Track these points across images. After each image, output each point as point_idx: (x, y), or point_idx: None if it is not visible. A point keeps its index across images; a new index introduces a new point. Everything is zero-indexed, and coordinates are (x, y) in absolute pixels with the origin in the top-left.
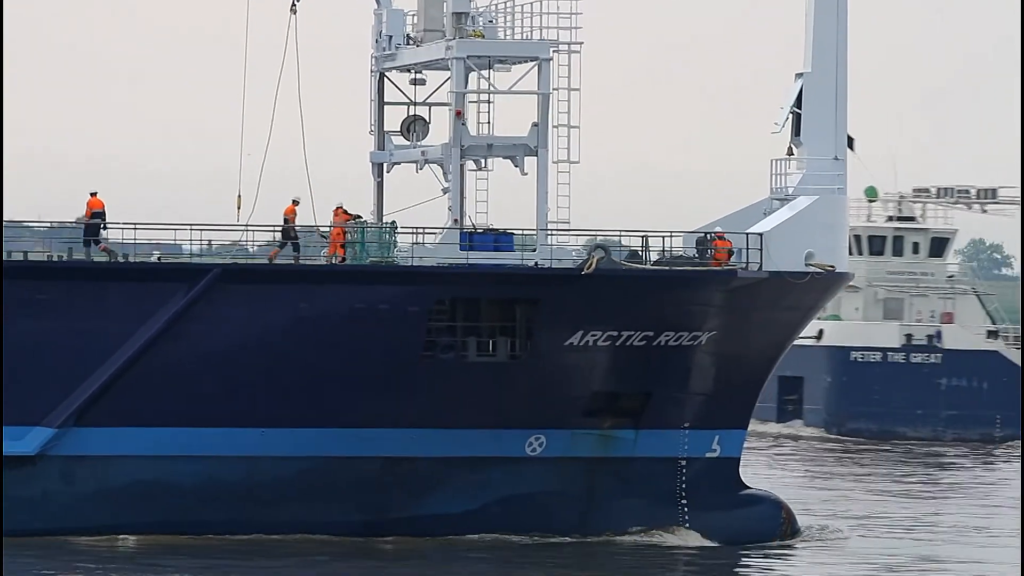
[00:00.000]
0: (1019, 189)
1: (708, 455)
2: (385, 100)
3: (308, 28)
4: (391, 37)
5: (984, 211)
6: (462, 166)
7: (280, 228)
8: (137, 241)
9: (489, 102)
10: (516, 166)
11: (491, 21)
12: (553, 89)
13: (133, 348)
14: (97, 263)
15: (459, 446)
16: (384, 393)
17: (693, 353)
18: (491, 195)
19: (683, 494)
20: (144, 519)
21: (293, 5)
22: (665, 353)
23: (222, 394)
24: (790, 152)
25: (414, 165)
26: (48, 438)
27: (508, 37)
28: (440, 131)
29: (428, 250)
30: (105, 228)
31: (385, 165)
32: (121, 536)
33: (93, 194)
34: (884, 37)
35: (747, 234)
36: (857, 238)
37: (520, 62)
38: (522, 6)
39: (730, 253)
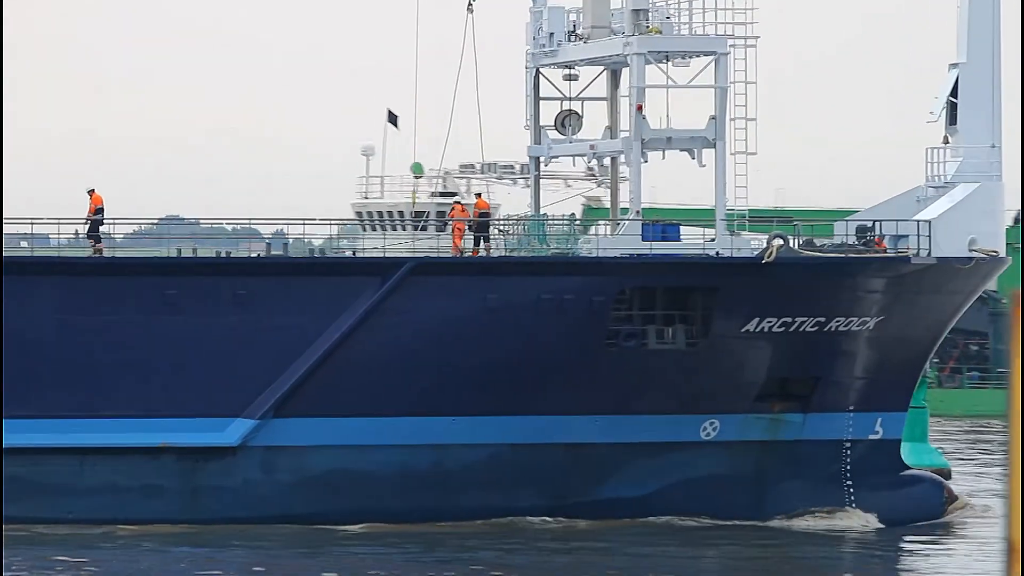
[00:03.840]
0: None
1: (871, 437)
2: (540, 96)
3: (458, 26)
4: (552, 34)
5: (527, 186)
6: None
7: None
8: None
9: (667, 96)
10: (693, 158)
11: (668, 17)
12: (730, 83)
13: (329, 341)
14: (293, 259)
15: (638, 432)
16: (569, 381)
17: (860, 338)
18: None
19: (848, 475)
20: (340, 507)
21: (470, 4)
22: (834, 338)
23: (413, 384)
24: (946, 140)
25: (570, 159)
26: (249, 429)
27: (685, 32)
28: (593, 126)
29: (610, 241)
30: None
31: (542, 159)
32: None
33: (91, 191)
34: None
35: (917, 221)
36: (400, 213)
37: (697, 56)
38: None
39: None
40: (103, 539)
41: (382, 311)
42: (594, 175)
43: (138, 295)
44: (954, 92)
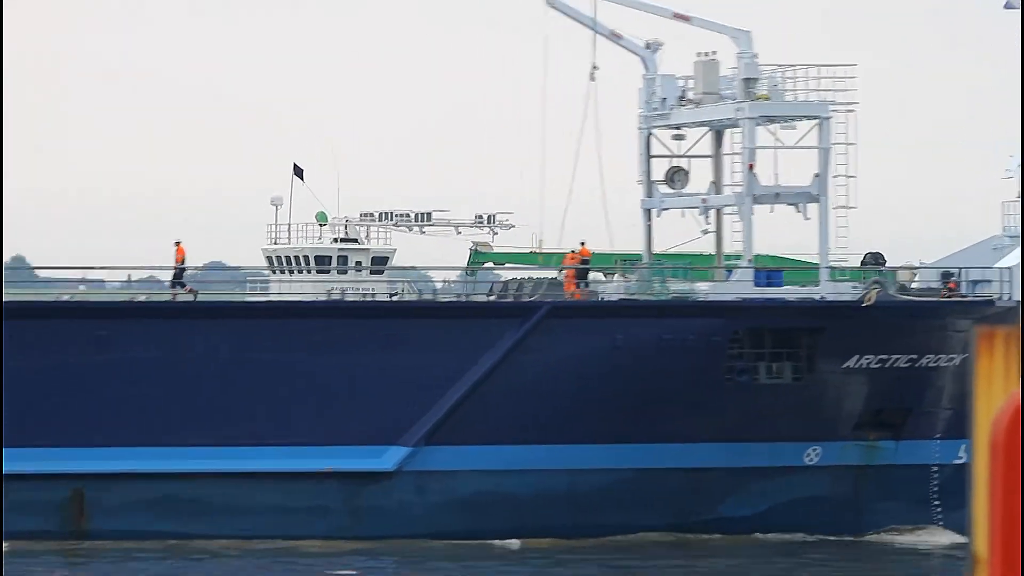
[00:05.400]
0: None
1: (956, 461)
2: (651, 154)
3: (568, 92)
4: (664, 99)
5: (422, 232)
6: (719, 211)
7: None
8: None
9: (775, 157)
10: (799, 212)
11: (776, 86)
12: (832, 144)
13: (475, 376)
14: (443, 303)
15: (750, 457)
16: (689, 412)
17: (947, 373)
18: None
19: (936, 497)
20: (484, 525)
21: (592, 73)
22: (924, 373)
23: (550, 415)
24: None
25: (678, 210)
26: (404, 456)
27: (791, 99)
28: (698, 180)
29: (725, 286)
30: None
31: (654, 211)
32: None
33: (177, 243)
34: None
35: (1000, 268)
36: (306, 258)
37: (802, 120)
38: (804, 69)
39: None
40: (274, 553)
41: (522, 349)
42: (481, 222)
43: (305, 335)
44: None
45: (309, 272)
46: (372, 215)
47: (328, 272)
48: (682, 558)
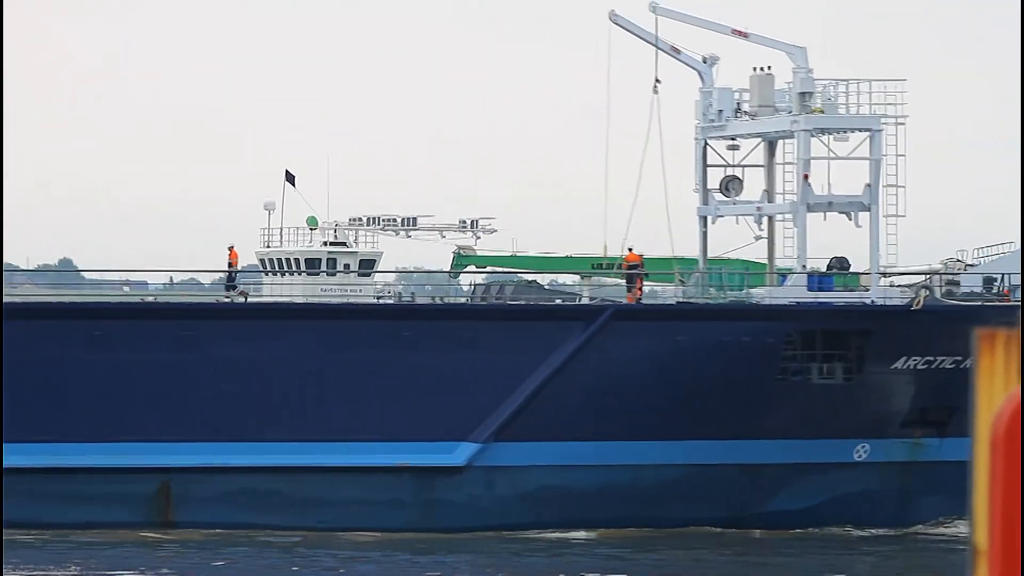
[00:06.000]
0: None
1: None
2: (707, 163)
3: (627, 104)
4: (721, 111)
5: (408, 236)
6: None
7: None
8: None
9: (828, 167)
10: (850, 220)
11: (830, 99)
12: (883, 155)
13: (542, 376)
14: (511, 305)
15: (802, 454)
16: (744, 411)
17: None
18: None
19: None
20: (551, 518)
21: (655, 86)
22: (968, 374)
23: (613, 413)
24: None
25: (732, 217)
26: (474, 452)
27: (844, 111)
28: (751, 188)
29: (781, 291)
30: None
31: (710, 218)
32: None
33: (231, 247)
34: None
35: None
36: (296, 261)
37: (855, 132)
38: (857, 84)
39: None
40: (349, 545)
41: (587, 350)
42: (465, 226)
43: (382, 336)
44: None
45: (300, 274)
46: (360, 219)
47: (318, 274)
48: (736, 550)
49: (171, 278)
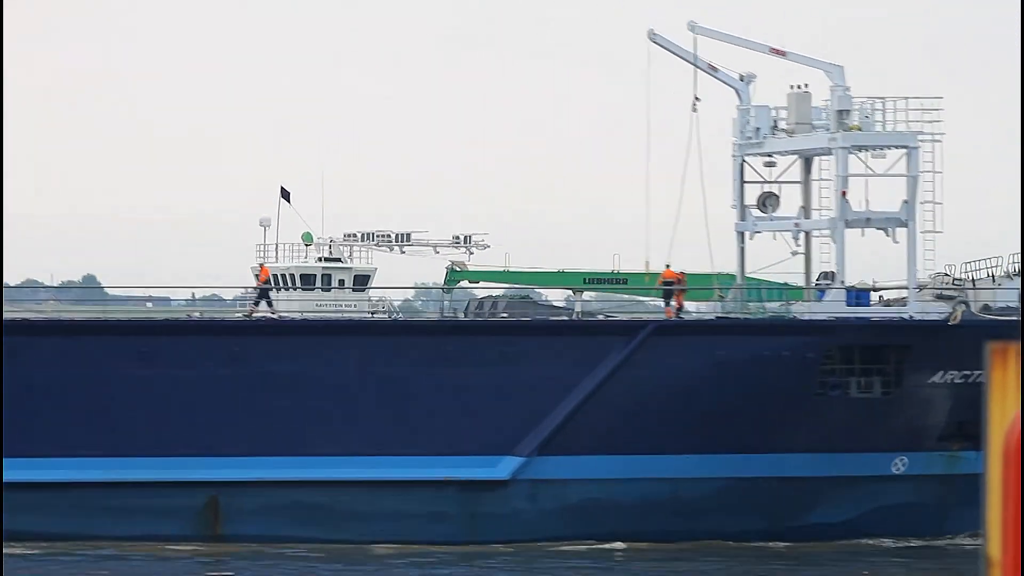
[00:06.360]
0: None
1: None
2: (744, 179)
3: (663, 121)
4: (759, 128)
5: (403, 252)
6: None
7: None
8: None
9: (866, 184)
10: (888, 236)
11: (867, 117)
12: (920, 172)
13: (584, 391)
14: (555, 321)
15: (840, 467)
16: (784, 424)
17: None
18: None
19: None
20: (593, 530)
21: (694, 104)
22: None
23: (654, 427)
24: None
25: (769, 233)
26: (518, 465)
27: (880, 128)
28: (788, 204)
29: (819, 306)
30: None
31: (747, 234)
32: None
33: (261, 264)
34: None
35: None
36: (292, 276)
37: (892, 149)
38: (893, 102)
39: None
40: (390, 557)
41: (629, 365)
42: (458, 242)
43: (426, 352)
44: None
45: (295, 289)
46: (355, 235)
47: (313, 290)
48: (777, 562)
49: (193, 294)
